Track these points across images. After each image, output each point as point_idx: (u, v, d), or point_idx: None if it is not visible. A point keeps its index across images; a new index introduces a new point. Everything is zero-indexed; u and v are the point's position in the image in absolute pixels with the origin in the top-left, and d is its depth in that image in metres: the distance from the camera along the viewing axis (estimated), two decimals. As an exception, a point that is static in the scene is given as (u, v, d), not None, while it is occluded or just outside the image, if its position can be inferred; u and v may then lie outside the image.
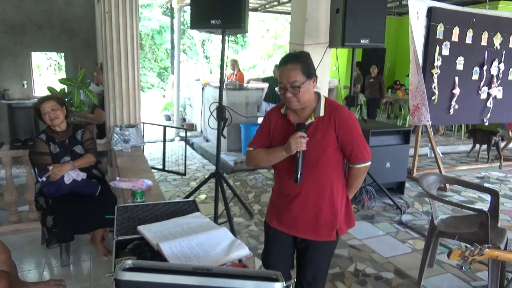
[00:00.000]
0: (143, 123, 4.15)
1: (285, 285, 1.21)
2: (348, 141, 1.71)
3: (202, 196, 4.47)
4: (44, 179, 2.75)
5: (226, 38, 3.34)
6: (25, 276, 2.71)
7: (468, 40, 5.02)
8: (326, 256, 1.87)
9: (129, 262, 1.21)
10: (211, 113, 3.44)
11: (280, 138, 1.76)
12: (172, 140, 7.76)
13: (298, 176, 1.68)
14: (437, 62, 4.84)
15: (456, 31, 4.92)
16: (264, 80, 7.81)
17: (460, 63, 5.04)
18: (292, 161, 1.70)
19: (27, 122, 6.75)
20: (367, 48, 8.11)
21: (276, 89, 1.71)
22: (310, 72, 1.67)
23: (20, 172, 4.50)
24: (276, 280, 1.22)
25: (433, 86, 4.88)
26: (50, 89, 3.46)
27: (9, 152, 3.23)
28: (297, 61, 1.65)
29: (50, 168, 2.76)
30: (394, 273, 2.91)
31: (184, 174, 5.07)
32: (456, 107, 5.07)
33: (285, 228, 1.85)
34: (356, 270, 2.94)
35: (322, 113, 1.71)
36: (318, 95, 1.76)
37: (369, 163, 1.79)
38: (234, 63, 8.02)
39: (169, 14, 10.64)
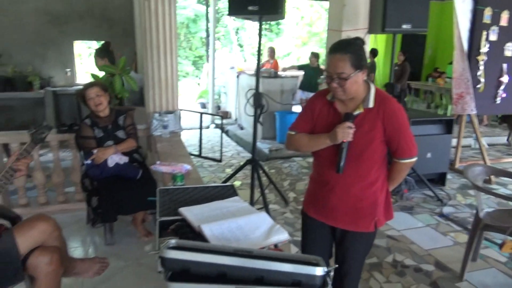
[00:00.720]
0: (180, 109, 4.22)
1: (326, 270, 1.20)
2: (395, 135, 1.66)
3: (237, 183, 4.52)
4: (89, 161, 2.88)
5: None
6: (72, 253, 2.85)
7: (518, 25, 4.72)
8: (364, 247, 1.84)
9: (173, 242, 1.25)
10: (248, 100, 3.45)
11: (324, 125, 1.72)
12: (207, 127, 7.86)
13: (341, 166, 1.65)
14: (484, 48, 4.59)
15: (505, 15, 4.64)
16: (300, 68, 7.69)
17: (509, 49, 4.75)
18: (335, 149, 1.67)
19: (71, 108, 7.02)
20: (407, 34, 7.81)
21: (322, 77, 1.66)
22: (360, 64, 1.59)
23: (65, 155, 4.72)
24: (316, 265, 1.22)
25: (478, 74, 4.64)
26: (93, 76, 3.58)
27: (57, 136, 3.39)
28: (347, 51, 1.57)
29: (95, 151, 2.88)
30: (435, 266, 2.83)
31: (220, 161, 5.13)
32: (504, 95, 4.81)
33: (323, 217, 1.83)
34: (394, 261, 2.89)
35: (371, 105, 1.65)
36: (368, 85, 1.69)
37: (414, 159, 1.73)
38: (272, 51, 7.95)
39: (204, 2, 10.71)
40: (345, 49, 1.58)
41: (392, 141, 1.67)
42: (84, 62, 13.67)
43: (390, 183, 1.80)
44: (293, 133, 1.82)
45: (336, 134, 1.62)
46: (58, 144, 3.46)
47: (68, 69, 7.54)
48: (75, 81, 7.55)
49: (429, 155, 4.18)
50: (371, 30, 3.92)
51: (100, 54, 3.87)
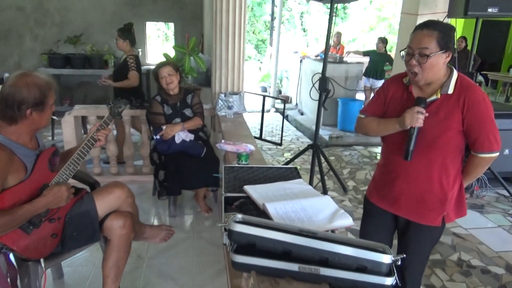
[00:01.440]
0: (245, 92, 4.27)
1: (393, 258, 1.17)
2: (474, 127, 1.53)
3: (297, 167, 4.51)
4: (158, 137, 3.03)
5: (325, 9, 3.23)
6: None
7: None
8: (427, 242, 1.76)
9: (239, 216, 1.29)
10: (314, 84, 3.40)
11: (397, 110, 1.64)
12: (268, 111, 7.90)
13: (409, 152, 1.58)
14: None
15: None
16: (366, 53, 7.40)
17: None
18: (405, 136, 1.59)
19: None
20: (486, 19, 7.11)
21: (402, 52, 1.57)
22: (447, 45, 1.48)
23: (133, 131, 5.01)
24: (383, 252, 1.19)
25: None
26: (165, 55, 3.73)
27: (129, 111, 3.61)
28: (436, 28, 1.48)
29: (164, 127, 3.03)
30: (505, 269, 2.64)
31: (280, 144, 5.14)
32: None
33: (385, 205, 1.77)
34: (459, 260, 2.74)
35: (450, 91, 1.54)
36: (450, 70, 1.58)
37: (496, 154, 1.59)
38: (339, 37, 7.75)
39: (271, -15, 10.65)
40: (435, 26, 1.49)
41: (471, 133, 1.55)
42: (153, 43, 14.28)
43: (465, 177, 1.69)
44: (363, 116, 1.78)
45: (405, 119, 1.54)
46: (130, 119, 3.68)
47: (139, 49, 7.91)
48: (145, 61, 7.92)
49: (506, 151, 3.85)
50: (451, 14, 3.64)
51: (122, 35, 3.92)
